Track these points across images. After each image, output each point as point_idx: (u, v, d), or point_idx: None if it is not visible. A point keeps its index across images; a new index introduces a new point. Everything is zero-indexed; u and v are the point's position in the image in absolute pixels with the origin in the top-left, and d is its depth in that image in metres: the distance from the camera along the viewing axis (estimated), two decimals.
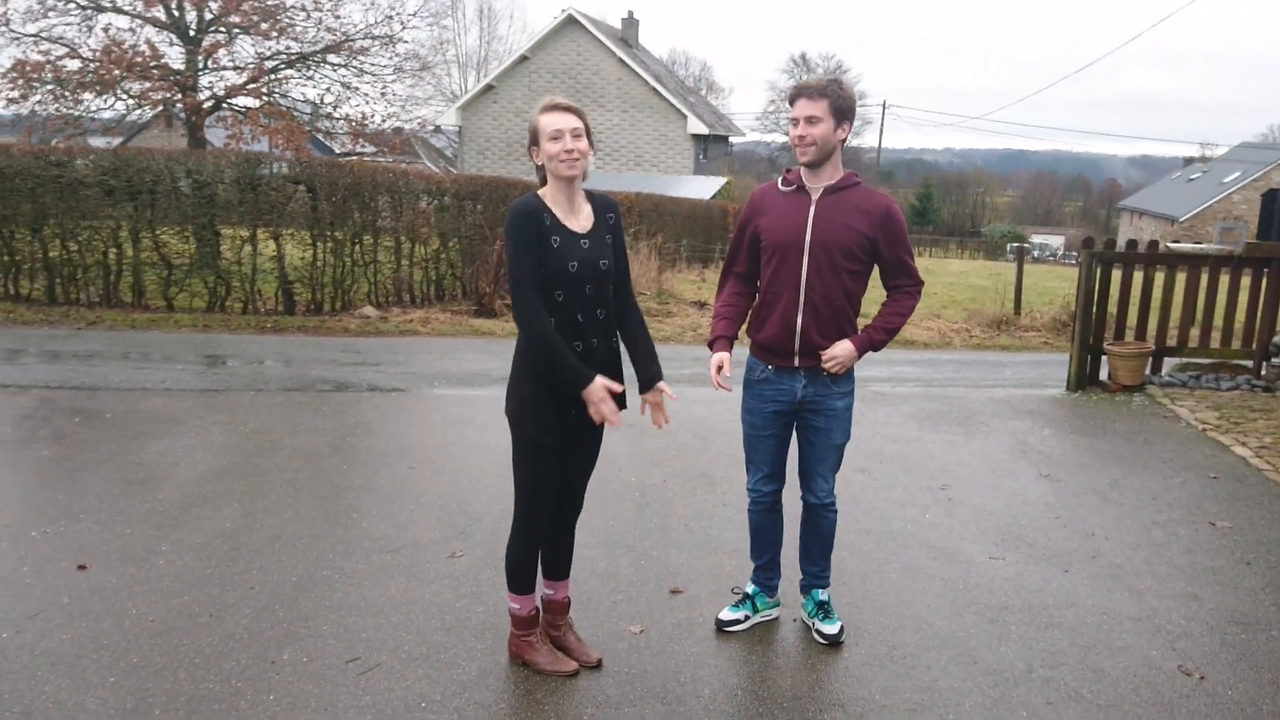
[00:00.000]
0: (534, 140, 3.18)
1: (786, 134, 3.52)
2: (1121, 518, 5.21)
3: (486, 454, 6.00)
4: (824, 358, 3.52)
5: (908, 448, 6.46)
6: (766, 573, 3.90)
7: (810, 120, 3.41)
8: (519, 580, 3.43)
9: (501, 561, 4.34)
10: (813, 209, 3.49)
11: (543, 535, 3.42)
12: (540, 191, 3.23)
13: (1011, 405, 7.78)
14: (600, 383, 3.13)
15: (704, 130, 32.72)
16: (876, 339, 3.60)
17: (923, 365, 10.10)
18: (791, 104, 3.45)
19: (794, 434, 3.76)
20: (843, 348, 3.52)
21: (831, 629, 3.76)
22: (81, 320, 10.54)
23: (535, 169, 3.26)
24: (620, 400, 3.29)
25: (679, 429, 6.52)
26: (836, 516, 3.84)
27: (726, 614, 3.86)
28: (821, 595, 3.87)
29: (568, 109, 3.14)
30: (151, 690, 3.26)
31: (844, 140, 3.49)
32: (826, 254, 3.46)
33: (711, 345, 3.70)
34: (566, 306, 3.18)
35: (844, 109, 3.43)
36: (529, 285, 3.10)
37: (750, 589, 3.93)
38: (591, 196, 3.31)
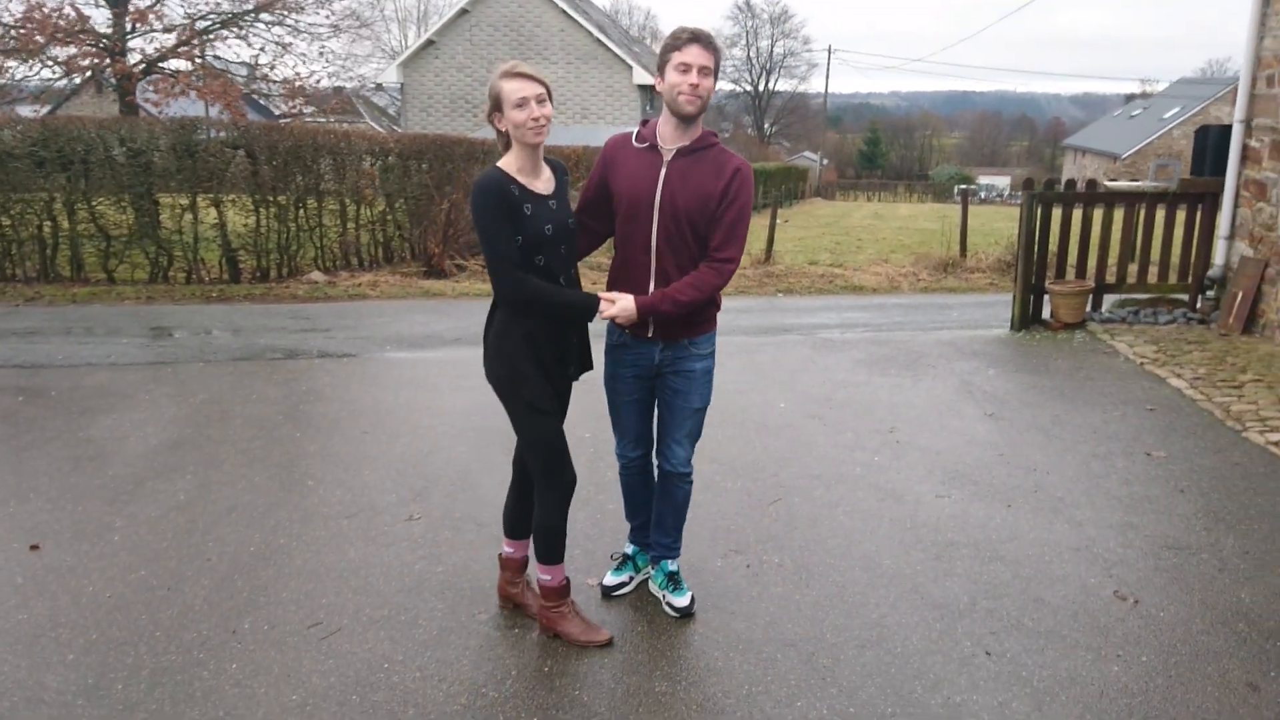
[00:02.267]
0: (496, 107, 3.13)
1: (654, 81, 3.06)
2: (1062, 452, 5.37)
3: (441, 415, 6.01)
4: (609, 299, 3.28)
5: (857, 393, 6.58)
6: (643, 532, 3.86)
7: (704, 71, 3.19)
8: (553, 551, 3.38)
9: (459, 521, 4.41)
10: (664, 170, 3.29)
11: (570, 495, 3.35)
12: (502, 162, 3.18)
13: (957, 347, 7.93)
14: (600, 297, 3.25)
15: (650, 80, 32.45)
16: (661, 308, 3.27)
17: (871, 310, 10.24)
18: (678, 49, 3.18)
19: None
20: (624, 304, 3.26)
21: (682, 600, 3.64)
22: (19, 297, 10.30)
23: (497, 134, 3.21)
24: (587, 361, 3.41)
25: None
26: (691, 488, 3.67)
27: (610, 579, 3.80)
28: (671, 566, 3.73)
29: (531, 76, 3.10)
30: (112, 665, 3.28)
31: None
32: (675, 221, 3.27)
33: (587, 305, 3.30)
34: (547, 270, 3.18)
35: (720, 67, 3.33)
36: (511, 262, 3.09)
37: (630, 549, 3.89)
38: (547, 161, 3.31)
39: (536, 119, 3.09)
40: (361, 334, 8.54)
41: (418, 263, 12.86)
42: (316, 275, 11.81)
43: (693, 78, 3.18)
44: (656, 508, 3.73)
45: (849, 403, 6.34)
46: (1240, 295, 7.90)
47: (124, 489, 4.80)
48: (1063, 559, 4.09)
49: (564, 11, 31.57)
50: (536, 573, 3.47)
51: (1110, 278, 8.75)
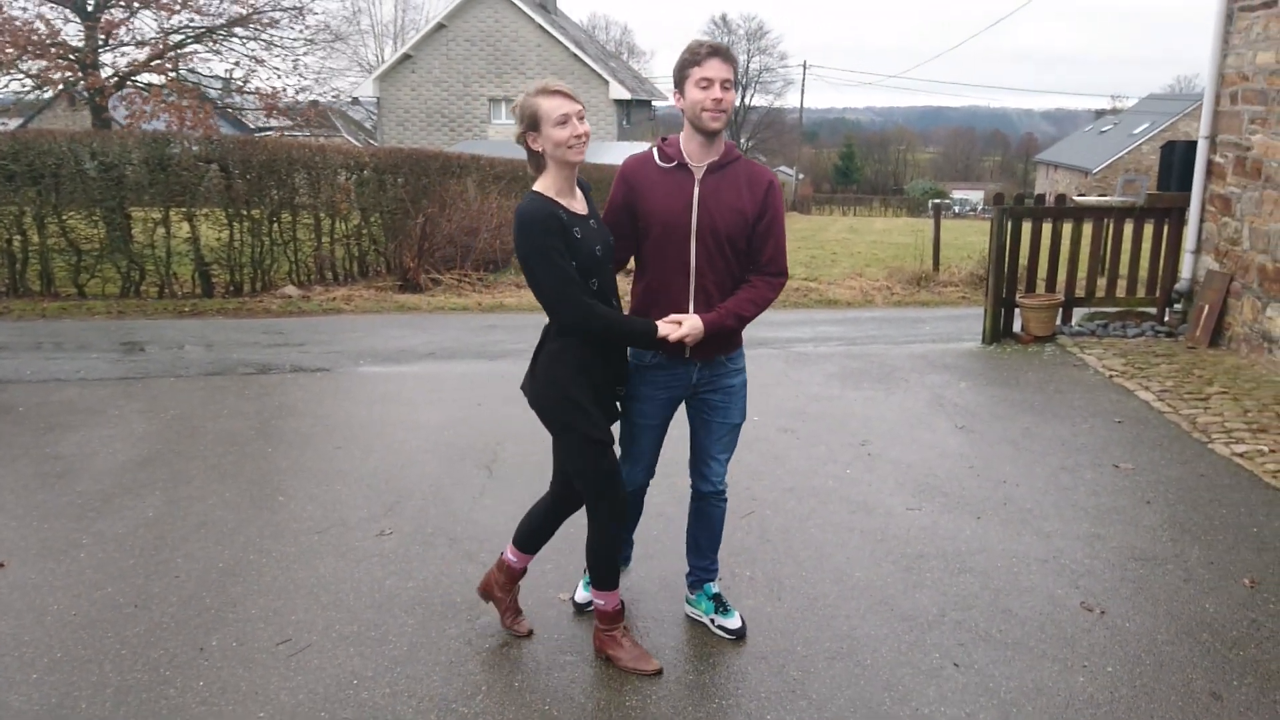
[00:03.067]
0: (532, 126, 3.05)
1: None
2: (1031, 465, 5.43)
3: (414, 430, 6.00)
4: (667, 323, 3.18)
5: (830, 406, 6.62)
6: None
7: (725, 84, 3.12)
8: (608, 576, 3.35)
9: (430, 536, 4.40)
10: (697, 189, 3.22)
11: (624, 516, 3.32)
12: (539, 186, 3.10)
13: (930, 360, 8.00)
14: (660, 324, 3.17)
15: (626, 95, 32.59)
16: (727, 324, 3.25)
17: (845, 324, 10.30)
18: (698, 64, 3.12)
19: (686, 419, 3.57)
20: (692, 324, 3.18)
21: (734, 622, 3.59)
22: None
23: (529, 154, 3.12)
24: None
25: None
26: (726, 505, 3.64)
27: (583, 594, 3.75)
28: (714, 588, 3.68)
29: (569, 94, 3.06)
30: (77, 684, 3.24)
31: None
32: (715, 239, 3.21)
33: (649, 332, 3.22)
34: (601, 294, 3.14)
35: (738, 77, 3.31)
36: (579, 288, 3.02)
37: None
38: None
39: (580, 136, 3.04)
40: (335, 348, 8.50)
41: (393, 277, 12.82)
42: (290, 290, 11.75)
43: (716, 92, 3.12)
44: (692, 531, 3.66)
45: (822, 416, 6.38)
46: (1207, 309, 8.01)
47: (92, 506, 4.76)
48: (1031, 570, 4.13)
49: (540, 27, 31.69)
50: (591, 596, 3.45)
51: (1080, 291, 8.85)
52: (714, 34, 74.48)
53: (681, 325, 3.16)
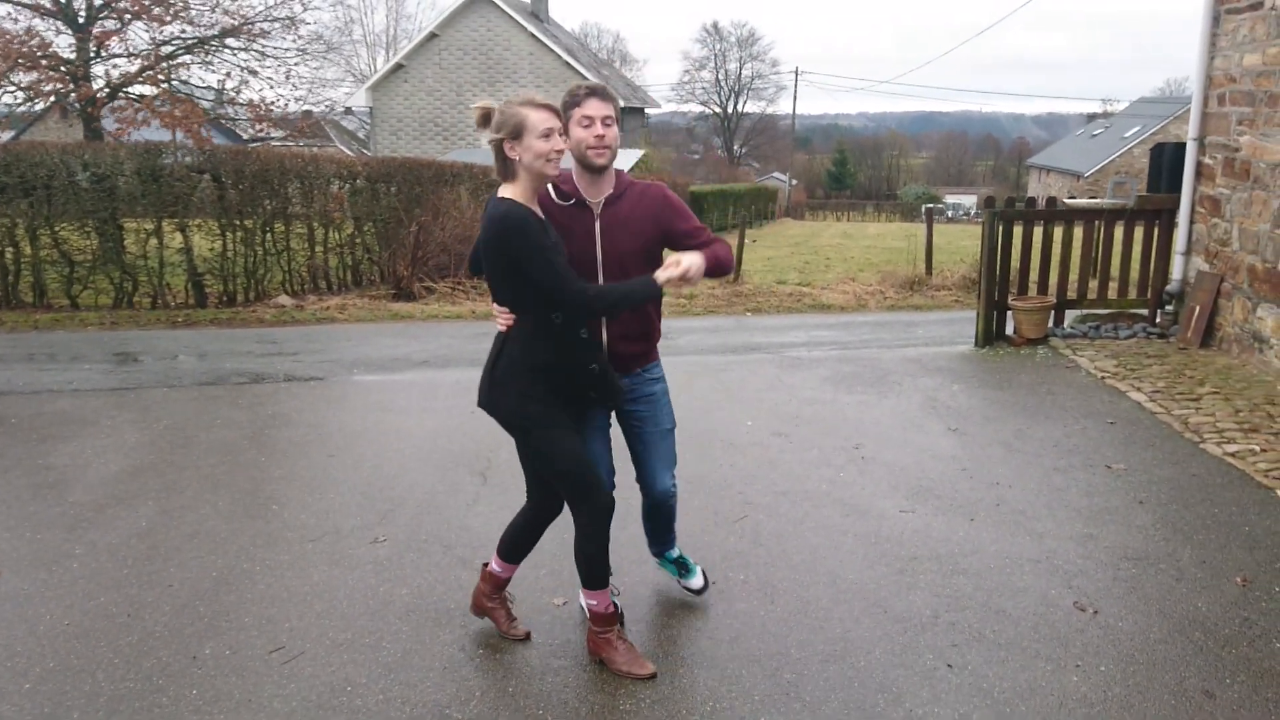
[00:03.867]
0: (516, 134, 3.08)
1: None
2: (1024, 466, 5.44)
3: (408, 438, 5.99)
4: (672, 262, 3.17)
5: (823, 410, 6.63)
6: None
7: (606, 121, 3.25)
8: (597, 576, 3.34)
9: (424, 543, 4.39)
10: (598, 225, 3.35)
11: (607, 518, 3.30)
12: (510, 193, 3.14)
13: (923, 363, 8.01)
14: (658, 272, 3.15)
15: (619, 103, 32.63)
16: (721, 256, 3.35)
17: (838, 329, 10.33)
18: (578, 105, 3.24)
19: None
20: (691, 258, 3.17)
21: (698, 581, 3.89)
22: None
23: (501, 161, 3.15)
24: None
25: None
26: (676, 503, 3.77)
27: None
28: (674, 553, 3.90)
29: (555, 111, 3.13)
30: (69, 693, 3.23)
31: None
32: (621, 266, 3.35)
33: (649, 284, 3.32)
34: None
35: (620, 116, 3.39)
36: (571, 274, 3.07)
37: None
38: None
39: (560, 151, 3.12)
40: (329, 357, 8.50)
41: (386, 285, 12.83)
42: (284, 299, 11.75)
43: (597, 129, 3.24)
44: (650, 525, 3.84)
45: (815, 420, 6.38)
46: (1198, 309, 8.04)
47: (84, 516, 4.75)
48: (1024, 571, 4.13)
49: (533, 35, 31.75)
50: (583, 598, 3.48)
51: (1072, 293, 8.88)
52: (706, 41, 74.88)
53: (681, 263, 3.18)
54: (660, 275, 3.14)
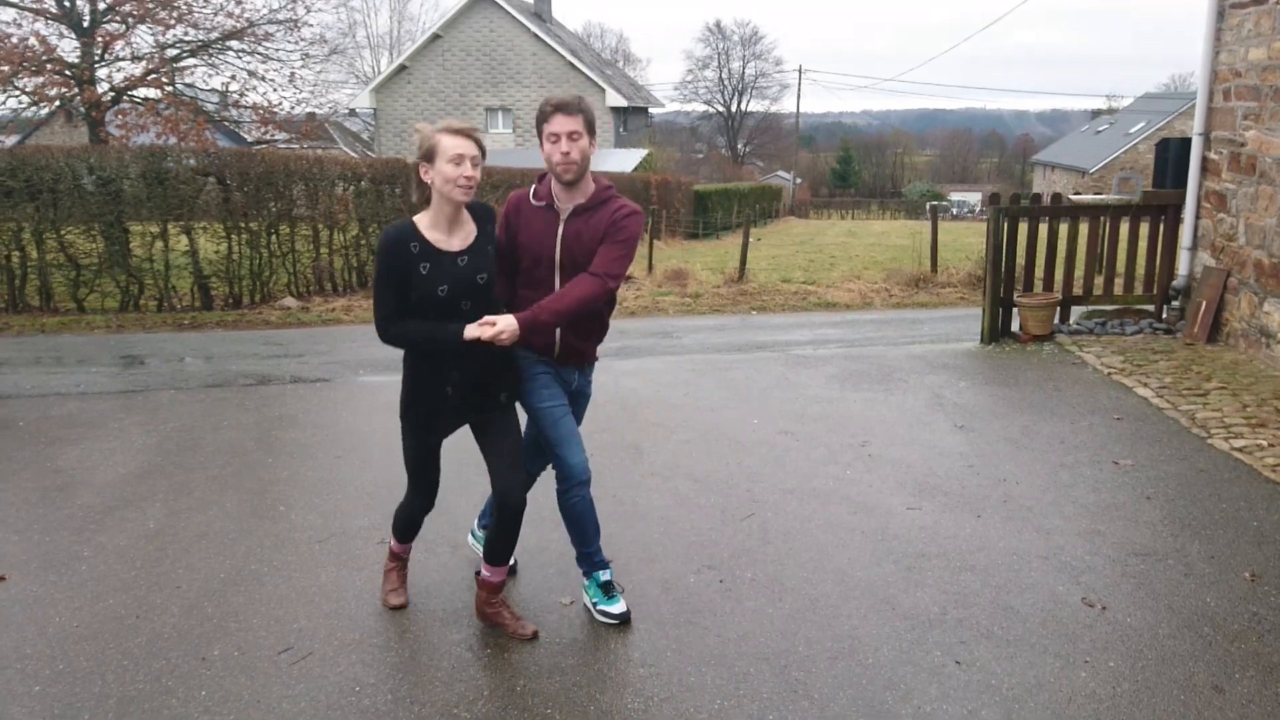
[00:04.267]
0: (428, 158, 3.17)
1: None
2: (1031, 462, 5.43)
3: None
4: (478, 325, 3.25)
5: (830, 408, 6.63)
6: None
7: (573, 136, 3.36)
8: (401, 531, 3.85)
9: (432, 544, 4.40)
10: (561, 228, 3.49)
11: (418, 516, 3.77)
12: (418, 216, 3.27)
13: (929, 361, 8.00)
14: (468, 327, 3.25)
15: (623, 103, 32.66)
16: (541, 319, 3.34)
17: (844, 327, 10.32)
18: (546, 121, 3.37)
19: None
20: (505, 322, 3.26)
21: (619, 608, 3.71)
22: None
23: (416, 185, 3.29)
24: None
25: (607, 402, 6.59)
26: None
27: (618, 607, 3.73)
28: (604, 576, 3.78)
29: (472, 137, 3.19)
30: (79, 695, 3.25)
31: (592, 154, 3.49)
32: (576, 270, 3.46)
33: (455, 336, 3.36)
34: (473, 314, 3.30)
35: (594, 125, 3.46)
36: (386, 317, 3.25)
37: (609, 575, 3.82)
38: (470, 208, 3.35)
39: (470, 178, 3.17)
40: (335, 359, 8.51)
41: None
42: (290, 301, 11.77)
43: (563, 146, 3.36)
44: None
45: (822, 418, 6.38)
46: (1204, 305, 8.02)
47: (93, 518, 4.76)
48: (1031, 567, 4.13)
49: (536, 35, 31.76)
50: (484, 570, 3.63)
51: (1077, 290, 8.86)
52: (709, 40, 74.76)
53: (496, 324, 3.26)
54: (470, 331, 3.25)
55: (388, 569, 3.94)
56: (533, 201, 3.54)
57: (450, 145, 3.13)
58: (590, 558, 3.77)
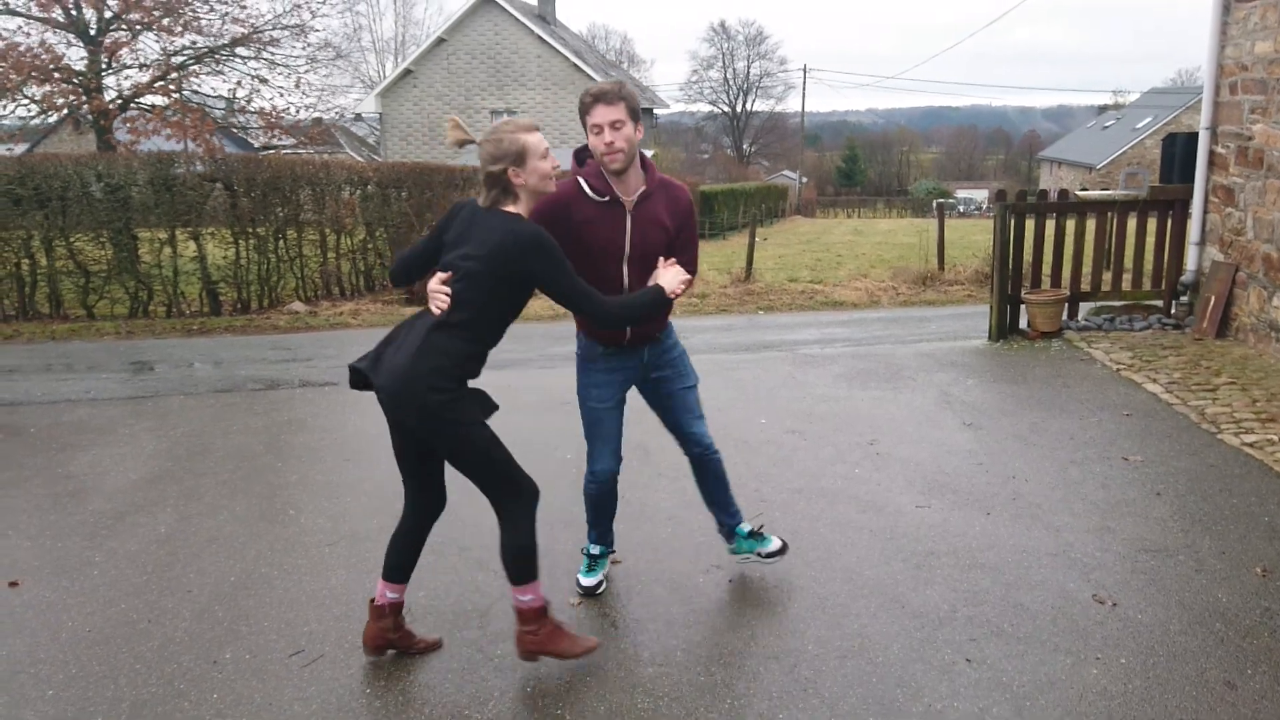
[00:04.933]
0: (519, 161, 3.13)
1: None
2: (1040, 459, 5.42)
3: None
4: (684, 279, 3.38)
5: (837, 406, 6.62)
6: (608, 533, 4.02)
7: (615, 125, 3.33)
8: (531, 569, 3.33)
9: (441, 546, 4.39)
10: (629, 222, 3.46)
11: (537, 500, 3.36)
12: (520, 212, 3.20)
13: (936, 358, 7.99)
14: (664, 280, 3.36)
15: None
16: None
17: (851, 325, 10.31)
18: (587, 113, 3.36)
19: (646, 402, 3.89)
20: (677, 270, 3.41)
21: (774, 545, 4.01)
22: None
23: (494, 184, 3.18)
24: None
25: None
26: (721, 456, 3.93)
27: (589, 579, 3.96)
28: (746, 528, 4.02)
29: (538, 127, 3.26)
30: (92, 699, 3.26)
31: (639, 139, 3.46)
32: (645, 259, 3.49)
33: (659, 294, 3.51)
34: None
35: (637, 110, 3.42)
36: (599, 299, 3.23)
37: (596, 550, 3.99)
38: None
39: (557, 165, 3.24)
40: (344, 363, 8.52)
41: (399, 291, 12.87)
42: (298, 305, 11.81)
43: (606, 136, 3.35)
44: (706, 489, 3.98)
45: (829, 417, 6.37)
46: (1213, 300, 7.99)
47: (104, 524, 4.78)
48: (1041, 564, 4.12)
49: (540, 38, 31.80)
50: (512, 595, 3.34)
51: (1085, 286, 8.84)
52: (714, 40, 74.68)
53: (683, 274, 3.40)
54: (675, 288, 3.35)
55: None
56: (591, 195, 3.43)
57: (537, 143, 3.17)
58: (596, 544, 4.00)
